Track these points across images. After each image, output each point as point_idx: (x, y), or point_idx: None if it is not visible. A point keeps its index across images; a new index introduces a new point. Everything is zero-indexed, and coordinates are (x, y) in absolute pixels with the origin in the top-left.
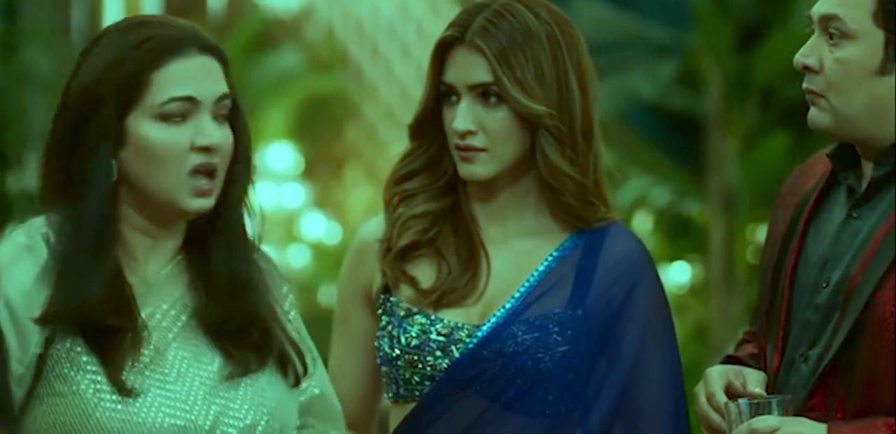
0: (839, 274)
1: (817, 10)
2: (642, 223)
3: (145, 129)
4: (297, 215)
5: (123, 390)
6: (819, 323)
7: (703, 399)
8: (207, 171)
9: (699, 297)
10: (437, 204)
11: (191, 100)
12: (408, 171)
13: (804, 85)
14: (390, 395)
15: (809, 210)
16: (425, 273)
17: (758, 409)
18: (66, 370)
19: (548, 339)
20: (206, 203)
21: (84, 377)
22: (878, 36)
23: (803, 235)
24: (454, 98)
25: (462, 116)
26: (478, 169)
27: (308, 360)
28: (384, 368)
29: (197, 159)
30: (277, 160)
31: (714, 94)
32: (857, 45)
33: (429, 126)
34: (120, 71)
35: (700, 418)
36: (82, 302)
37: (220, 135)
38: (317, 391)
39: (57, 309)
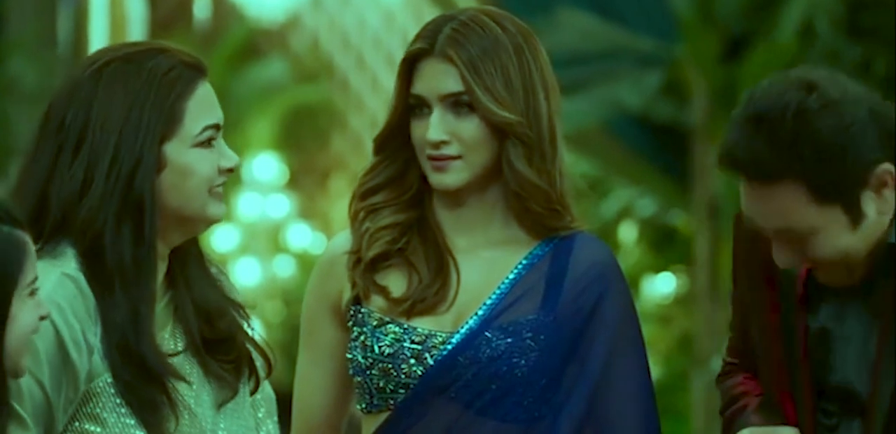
0: (853, 351)
1: (768, 226)
2: (627, 234)
3: (185, 156)
4: (282, 226)
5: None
6: (844, 396)
7: None
8: (223, 183)
9: (684, 308)
10: (404, 215)
11: (217, 127)
12: (373, 186)
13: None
14: (363, 406)
15: (803, 282)
16: (396, 283)
17: None
18: (98, 409)
19: (522, 344)
20: (224, 209)
21: (118, 421)
22: (834, 211)
23: (804, 306)
24: (424, 110)
25: (435, 127)
26: (449, 178)
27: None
28: (357, 379)
29: (219, 180)
30: (263, 171)
31: (699, 104)
32: (824, 232)
33: (394, 140)
34: (157, 102)
35: None
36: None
37: (237, 157)
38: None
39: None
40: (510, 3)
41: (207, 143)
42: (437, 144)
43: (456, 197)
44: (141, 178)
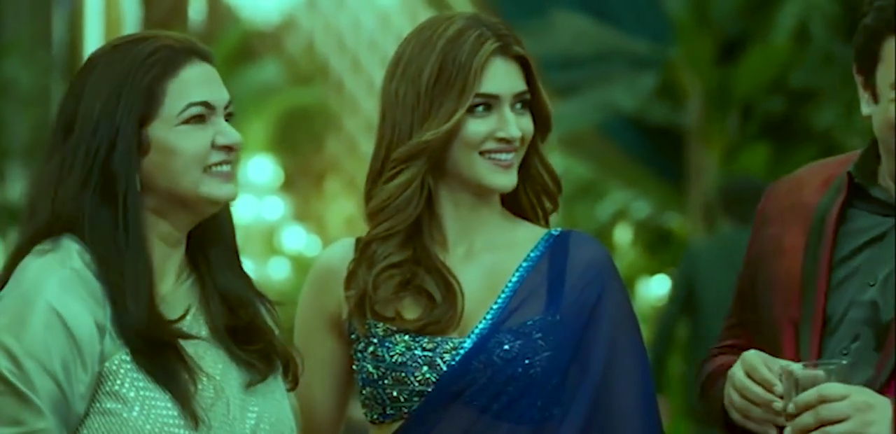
0: (885, 272)
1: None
2: (622, 236)
3: (169, 135)
4: (277, 228)
5: (189, 412)
6: (865, 318)
7: (740, 374)
8: (227, 162)
9: None
10: (409, 251)
11: (206, 105)
12: (397, 204)
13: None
14: (374, 416)
15: (835, 219)
16: (409, 308)
17: (828, 375)
18: (117, 387)
19: (533, 344)
20: (232, 190)
21: (139, 395)
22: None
23: (833, 242)
24: (480, 108)
25: (513, 123)
26: (512, 176)
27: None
28: (367, 390)
29: (216, 157)
30: (258, 173)
31: (694, 106)
32: None
33: (443, 146)
34: (135, 84)
35: (738, 391)
36: (161, 321)
37: (238, 135)
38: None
39: (143, 328)
40: (504, 5)
41: (198, 120)
42: (514, 141)
43: (478, 200)
44: (118, 160)
